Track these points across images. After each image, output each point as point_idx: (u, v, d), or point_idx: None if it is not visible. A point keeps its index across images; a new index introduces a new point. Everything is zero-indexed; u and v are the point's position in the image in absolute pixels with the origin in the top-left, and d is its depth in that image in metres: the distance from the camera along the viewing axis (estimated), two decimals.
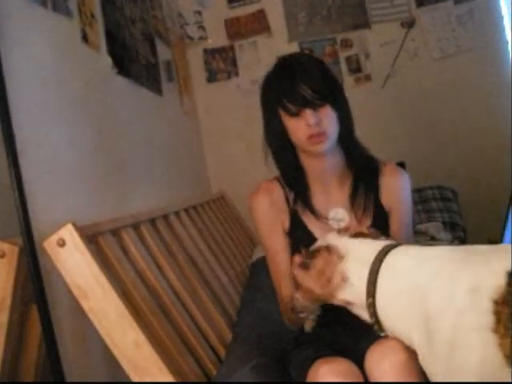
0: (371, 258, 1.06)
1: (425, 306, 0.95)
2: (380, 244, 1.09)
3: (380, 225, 1.39)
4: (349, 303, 1.14)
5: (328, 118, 1.35)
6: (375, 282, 1.04)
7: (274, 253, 1.45)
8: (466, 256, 0.95)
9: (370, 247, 1.10)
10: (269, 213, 1.45)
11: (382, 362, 1.14)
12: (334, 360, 1.19)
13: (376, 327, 1.08)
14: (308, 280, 1.17)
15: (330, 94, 1.36)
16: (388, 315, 1.05)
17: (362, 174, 1.45)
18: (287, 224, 1.44)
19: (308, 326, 1.32)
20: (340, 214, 1.43)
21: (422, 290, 0.96)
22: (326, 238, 1.21)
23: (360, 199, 1.42)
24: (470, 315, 0.86)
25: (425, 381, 1.04)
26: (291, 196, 1.45)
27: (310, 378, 1.19)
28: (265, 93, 1.44)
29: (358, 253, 1.11)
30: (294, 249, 1.43)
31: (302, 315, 1.29)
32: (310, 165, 1.44)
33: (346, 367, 1.17)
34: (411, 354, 1.09)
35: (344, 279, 1.11)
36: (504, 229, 2.07)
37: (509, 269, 0.84)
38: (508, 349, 0.80)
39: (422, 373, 1.04)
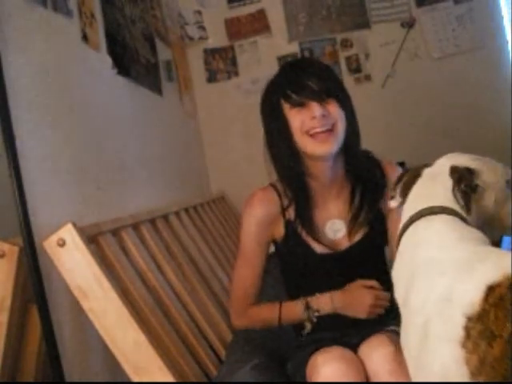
0: (417, 207, 1.05)
1: (408, 291, 0.95)
2: (428, 202, 1.05)
3: (377, 231, 1.39)
4: None
5: (336, 113, 1.29)
6: (402, 234, 1.05)
7: (252, 257, 1.43)
8: (460, 259, 0.91)
9: (424, 201, 1.06)
10: (260, 226, 1.41)
11: (372, 354, 1.19)
12: (331, 349, 1.22)
13: None
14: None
15: (337, 90, 1.31)
16: (397, 266, 1.05)
17: (362, 183, 1.41)
18: (282, 233, 1.41)
19: (309, 327, 1.36)
20: (337, 225, 1.41)
21: (415, 275, 0.95)
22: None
23: (357, 209, 1.39)
24: (438, 324, 0.85)
25: None
26: (286, 204, 1.40)
27: (310, 367, 1.22)
28: (267, 91, 1.38)
29: (419, 196, 1.09)
30: (288, 258, 1.45)
31: (316, 314, 1.34)
32: (312, 173, 1.37)
33: (342, 353, 1.20)
34: (399, 347, 1.12)
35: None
36: None
37: (490, 282, 0.80)
38: (474, 365, 0.79)
39: None
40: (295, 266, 1.44)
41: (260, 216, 1.41)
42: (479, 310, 0.80)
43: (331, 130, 1.29)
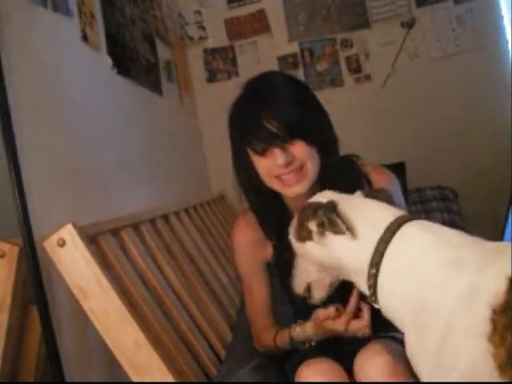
0: (383, 225, 0.98)
1: (422, 295, 0.92)
2: (395, 213, 1.01)
3: None
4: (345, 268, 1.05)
5: (303, 154, 1.20)
6: (383, 252, 0.95)
7: (254, 291, 1.42)
8: (474, 254, 0.90)
9: (384, 213, 1.01)
10: (250, 254, 1.40)
11: (368, 366, 1.14)
12: (317, 361, 1.19)
13: (373, 299, 1.00)
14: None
15: (303, 125, 1.19)
16: (385, 290, 0.98)
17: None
18: (271, 255, 1.39)
19: (306, 346, 1.32)
20: None
21: (424, 277, 0.92)
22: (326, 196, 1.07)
23: None
24: (464, 319, 0.84)
25: (414, 380, 1.03)
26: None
27: (297, 377, 1.20)
28: (231, 125, 1.32)
29: (370, 215, 1.02)
30: (282, 277, 1.40)
31: (300, 345, 1.28)
32: (288, 203, 1.35)
33: (328, 367, 1.17)
34: (397, 355, 1.10)
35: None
36: (504, 229, 2.07)
37: (511, 275, 0.80)
38: (502, 359, 0.77)
39: (412, 373, 1.03)
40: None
41: (246, 244, 1.40)
42: (503, 302, 0.79)
43: (301, 169, 1.23)
